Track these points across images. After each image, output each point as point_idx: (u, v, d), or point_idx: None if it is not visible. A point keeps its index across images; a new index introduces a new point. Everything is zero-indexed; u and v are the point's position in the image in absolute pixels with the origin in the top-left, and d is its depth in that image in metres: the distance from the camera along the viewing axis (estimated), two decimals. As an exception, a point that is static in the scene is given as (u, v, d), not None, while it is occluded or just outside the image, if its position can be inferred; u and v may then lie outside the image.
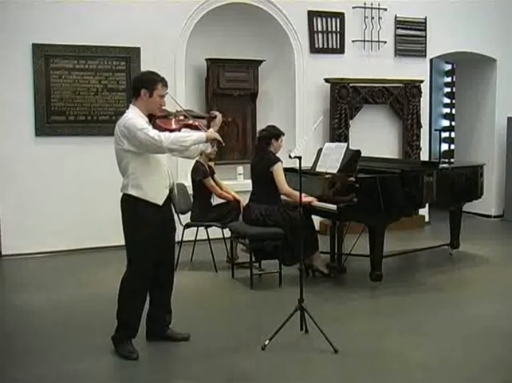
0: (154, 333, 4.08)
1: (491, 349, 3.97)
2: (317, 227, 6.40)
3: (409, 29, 8.16)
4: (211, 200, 6.18)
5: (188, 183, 6.30)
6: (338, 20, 7.80)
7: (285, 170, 5.44)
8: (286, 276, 5.38)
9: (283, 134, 5.55)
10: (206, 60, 7.37)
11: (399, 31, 8.12)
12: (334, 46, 7.81)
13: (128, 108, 3.92)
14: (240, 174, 7.55)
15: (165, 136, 3.69)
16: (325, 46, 7.76)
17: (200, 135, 3.84)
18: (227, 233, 5.98)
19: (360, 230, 5.69)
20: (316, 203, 5.36)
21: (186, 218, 6.08)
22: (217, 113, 4.13)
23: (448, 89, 11.06)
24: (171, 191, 3.94)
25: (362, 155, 5.54)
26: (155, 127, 3.83)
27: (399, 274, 5.98)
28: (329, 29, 7.76)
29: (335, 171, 5.47)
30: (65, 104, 6.66)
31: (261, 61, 7.60)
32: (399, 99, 8.07)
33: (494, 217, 8.84)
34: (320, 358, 3.84)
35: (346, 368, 3.73)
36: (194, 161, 5.94)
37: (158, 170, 3.85)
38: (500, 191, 8.84)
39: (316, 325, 4.00)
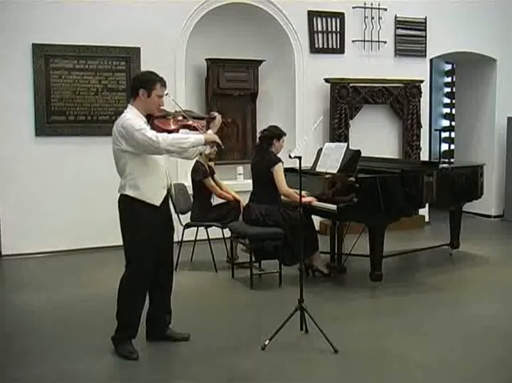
0: (154, 334, 4.08)
1: (491, 349, 3.97)
2: (317, 227, 6.40)
3: (409, 29, 8.16)
4: (211, 200, 6.18)
5: (188, 183, 6.30)
6: (338, 20, 7.80)
7: (285, 170, 5.44)
8: (286, 276, 5.38)
9: (285, 134, 5.55)
10: (206, 60, 7.37)
11: (399, 31, 8.12)
12: (334, 46, 7.81)
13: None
14: (240, 174, 7.55)
15: (163, 137, 3.68)
16: (325, 46, 7.76)
17: (199, 137, 3.82)
18: (227, 233, 5.98)
19: (360, 231, 5.69)
20: (316, 203, 5.36)
21: (186, 218, 6.09)
22: (216, 114, 4.13)
23: (448, 89, 11.06)
24: (168, 191, 3.94)
25: (362, 155, 5.54)
26: (153, 127, 3.82)
27: (399, 274, 5.98)
28: (329, 29, 7.77)
29: (335, 171, 5.47)
30: (65, 104, 6.66)
31: (261, 61, 7.60)
32: (399, 99, 8.07)
33: (494, 217, 8.84)
34: (320, 358, 3.84)
35: (346, 368, 3.73)
36: (194, 161, 5.94)
37: (155, 170, 3.84)
38: (500, 191, 8.84)
39: (316, 325, 4.00)
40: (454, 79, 10.35)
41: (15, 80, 6.44)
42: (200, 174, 6.00)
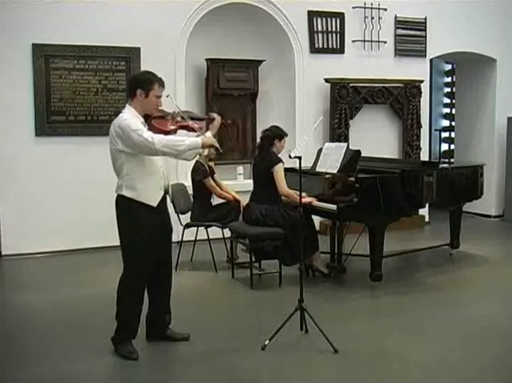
0: (154, 334, 4.08)
1: (491, 349, 3.97)
2: (317, 227, 6.40)
3: (409, 29, 8.16)
4: (211, 200, 6.17)
5: (188, 183, 6.30)
6: (338, 20, 7.80)
7: (285, 170, 5.44)
8: (286, 276, 5.38)
9: (286, 135, 5.55)
10: (206, 60, 7.37)
11: (399, 31, 8.12)
12: (334, 46, 7.81)
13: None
14: (240, 174, 7.56)
15: (158, 139, 3.65)
16: (325, 46, 7.76)
17: (196, 141, 3.78)
18: (227, 233, 5.98)
19: (360, 231, 5.69)
20: (316, 202, 5.36)
21: (186, 218, 6.09)
22: (215, 116, 4.12)
23: (448, 89, 11.06)
24: (166, 192, 3.93)
25: (362, 155, 5.54)
26: (150, 127, 3.81)
27: (399, 274, 5.98)
28: (329, 29, 7.76)
29: (335, 171, 5.47)
30: (65, 104, 6.66)
31: (261, 61, 7.60)
32: (399, 99, 8.07)
33: (494, 217, 8.83)
34: (320, 358, 3.84)
35: (346, 368, 3.73)
36: (194, 161, 5.94)
37: (153, 171, 3.82)
38: (500, 191, 8.84)
39: (316, 325, 4.00)
40: (454, 79, 10.35)
41: (15, 80, 6.44)
42: (200, 174, 6.00)
